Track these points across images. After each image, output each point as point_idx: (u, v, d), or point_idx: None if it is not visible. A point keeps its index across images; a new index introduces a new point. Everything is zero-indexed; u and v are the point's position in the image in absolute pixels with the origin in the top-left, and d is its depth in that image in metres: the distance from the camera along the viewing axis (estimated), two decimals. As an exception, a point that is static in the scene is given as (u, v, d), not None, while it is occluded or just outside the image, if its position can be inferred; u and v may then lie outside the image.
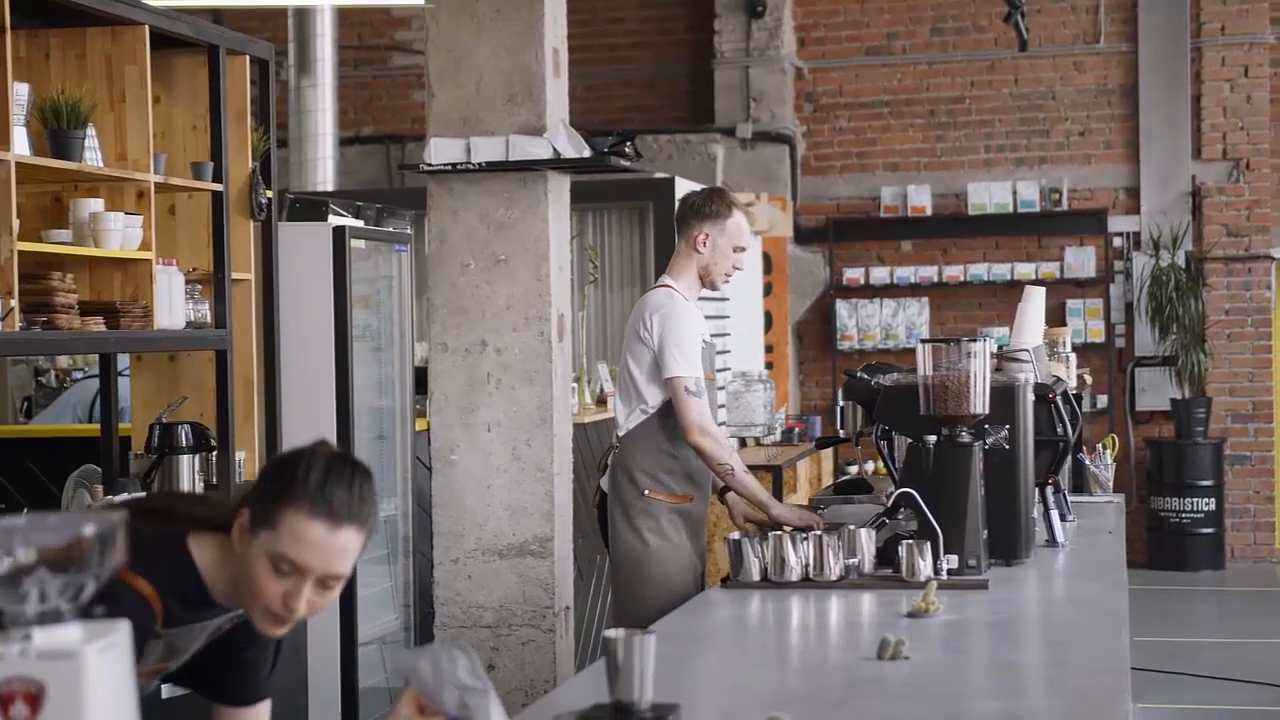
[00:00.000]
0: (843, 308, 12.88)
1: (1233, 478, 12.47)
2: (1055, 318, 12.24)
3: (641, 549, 5.13)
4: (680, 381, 5.05)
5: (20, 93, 4.64)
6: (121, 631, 1.78)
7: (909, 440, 4.55)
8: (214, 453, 5.51)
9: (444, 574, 5.78)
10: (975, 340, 4.41)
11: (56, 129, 4.75)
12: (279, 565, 2.53)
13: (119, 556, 1.78)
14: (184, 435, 5.36)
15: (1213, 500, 12.19)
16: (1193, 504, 12.17)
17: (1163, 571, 12.08)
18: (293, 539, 2.52)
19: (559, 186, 5.95)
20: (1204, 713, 8.06)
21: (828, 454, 11.40)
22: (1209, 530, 12.21)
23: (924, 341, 4.46)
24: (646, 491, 5.15)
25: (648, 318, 5.15)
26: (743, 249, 5.30)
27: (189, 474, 5.35)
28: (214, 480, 5.54)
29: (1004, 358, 5.17)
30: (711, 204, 5.28)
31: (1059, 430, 5.01)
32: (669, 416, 5.16)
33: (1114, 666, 3.17)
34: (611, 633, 2.74)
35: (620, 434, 5.27)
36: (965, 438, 4.39)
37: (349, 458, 2.65)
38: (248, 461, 5.77)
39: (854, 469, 12.25)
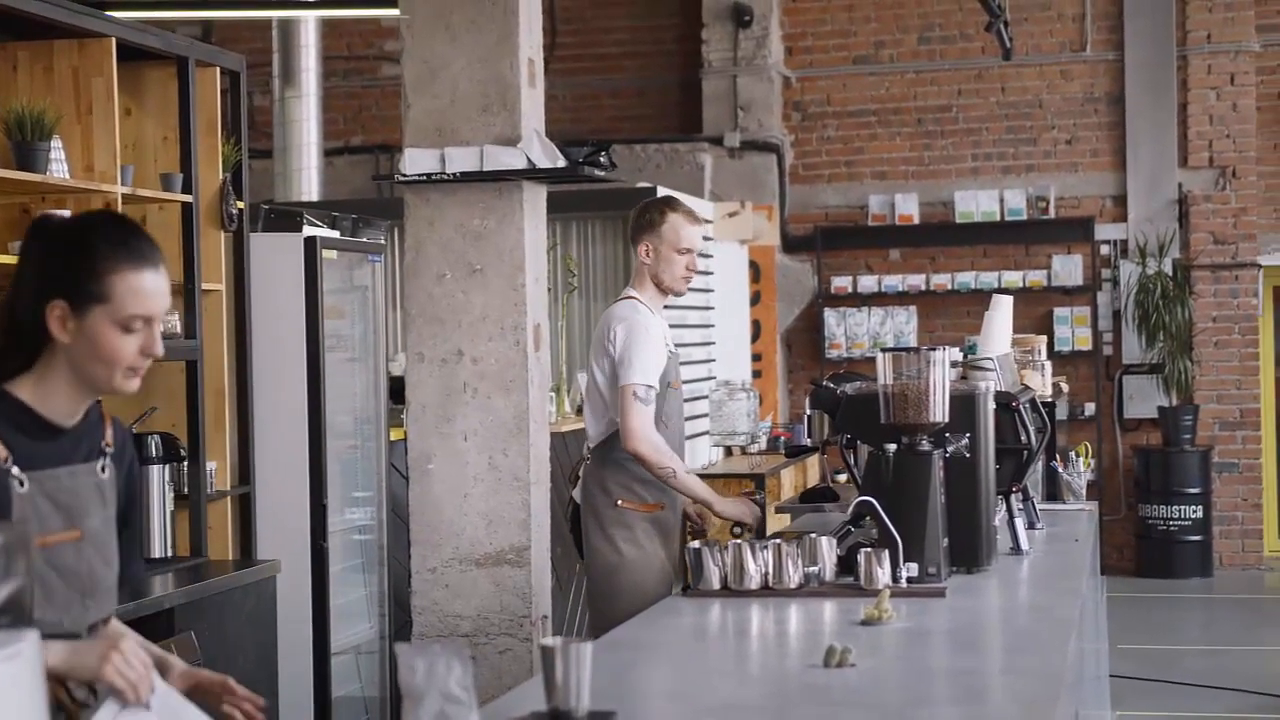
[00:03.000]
0: (831, 316, 12.89)
1: (1220, 485, 12.47)
2: (1042, 325, 12.26)
3: (616, 559, 5.19)
4: (630, 388, 5.15)
5: (-16, 105, 4.68)
6: (28, 642, 1.79)
7: (870, 449, 4.56)
8: (184, 463, 5.52)
9: (421, 583, 5.79)
10: (935, 349, 4.42)
11: (21, 141, 4.77)
12: (130, 325, 2.66)
13: (24, 566, 1.80)
14: (154, 446, 5.37)
15: (1200, 508, 12.20)
16: (1180, 511, 12.18)
17: (1150, 579, 12.09)
18: (132, 298, 2.66)
19: (534, 197, 5.97)
20: (1174, 720, 8.08)
21: (814, 462, 11.41)
22: (1196, 538, 12.21)
23: (884, 350, 4.47)
24: (620, 502, 5.23)
25: (612, 329, 5.25)
26: (688, 250, 5.34)
27: (159, 485, 5.37)
28: (185, 491, 5.55)
29: (969, 366, 5.18)
30: (645, 214, 5.39)
31: (1023, 438, 5.02)
32: None
33: (1053, 673, 3.18)
34: (547, 641, 2.76)
35: (591, 445, 5.35)
36: (925, 446, 4.39)
37: (114, 213, 2.81)
38: (219, 472, 5.79)
39: (843, 478, 12.25)
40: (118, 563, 2.79)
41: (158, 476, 5.37)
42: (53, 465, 2.69)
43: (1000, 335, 5.45)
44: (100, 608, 2.73)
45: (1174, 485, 12.20)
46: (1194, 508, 12.18)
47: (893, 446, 4.39)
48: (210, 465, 5.70)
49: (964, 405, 4.53)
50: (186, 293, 5.56)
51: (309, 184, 10.64)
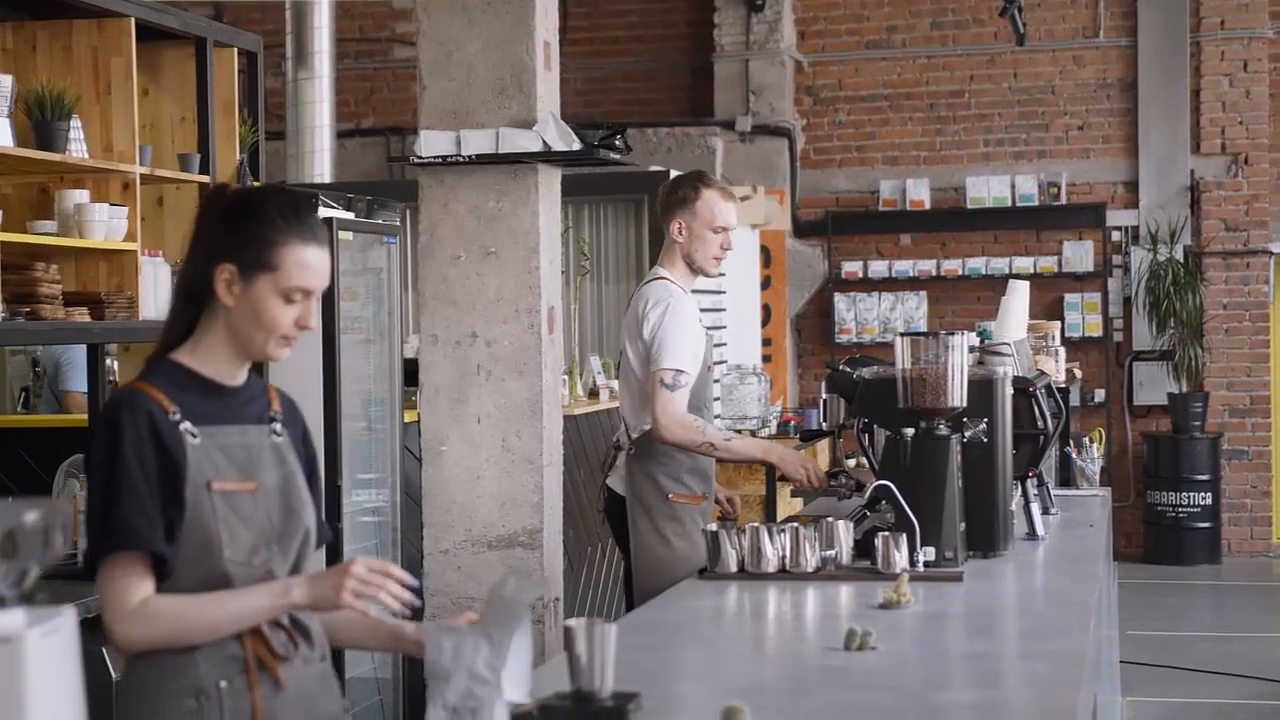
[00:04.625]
0: (841, 301, 12.90)
1: (1229, 472, 12.48)
2: (1053, 312, 12.25)
3: (669, 554, 5.03)
4: (657, 374, 5.02)
5: (4, 84, 4.67)
6: (65, 619, 1.80)
7: (887, 433, 4.56)
8: (200, 442, 5.52)
9: (433, 565, 5.79)
10: (953, 334, 4.42)
11: (41, 120, 4.77)
12: (290, 296, 2.78)
13: (61, 544, 1.81)
14: (170, 426, 5.37)
15: (1209, 494, 12.21)
16: (1189, 498, 12.19)
17: (1159, 565, 12.10)
18: (299, 270, 2.78)
19: (549, 179, 5.96)
20: (1196, 706, 8.08)
21: (825, 446, 11.42)
22: (1205, 524, 12.22)
23: (903, 334, 4.47)
24: (671, 495, 5.09)
25: (645, 313, 5.10)
26: (723, 229, 5.18)
27: (175, 464, 5.36)
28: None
29: (985, 351, 5.18)
30: (678, 190, 5.22)
31: (1039, 424, 5.02)
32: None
33: (1074, 657, 3.18)
34: (572, 622, 2.76)
35: (634, 435, 5.17)
36: (943, 430, 4.39)
37: (288, 188, 2.90)
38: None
39: (851, 462, 12.26)
40: (308, 517, 2.90)
41: (174, 457, 5.37)
42: (222, 423, 2.82)
43: (1017, 320, 5.45)
44: (288, 556, 2.86)
45: (1183, 472, 12.20)
46: (1203, 494, 12.19)
47: (911, 431, 4.39)
48: (226, 445, 5.69)
49: (982, 390, 4.53)
50: (203, 273, 5.55)
51: (321, 166, 10.62)
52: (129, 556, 2.71)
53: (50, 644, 1.77)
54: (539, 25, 5.86)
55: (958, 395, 4.39)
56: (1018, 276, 12.34)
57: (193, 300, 2.83)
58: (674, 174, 10.03)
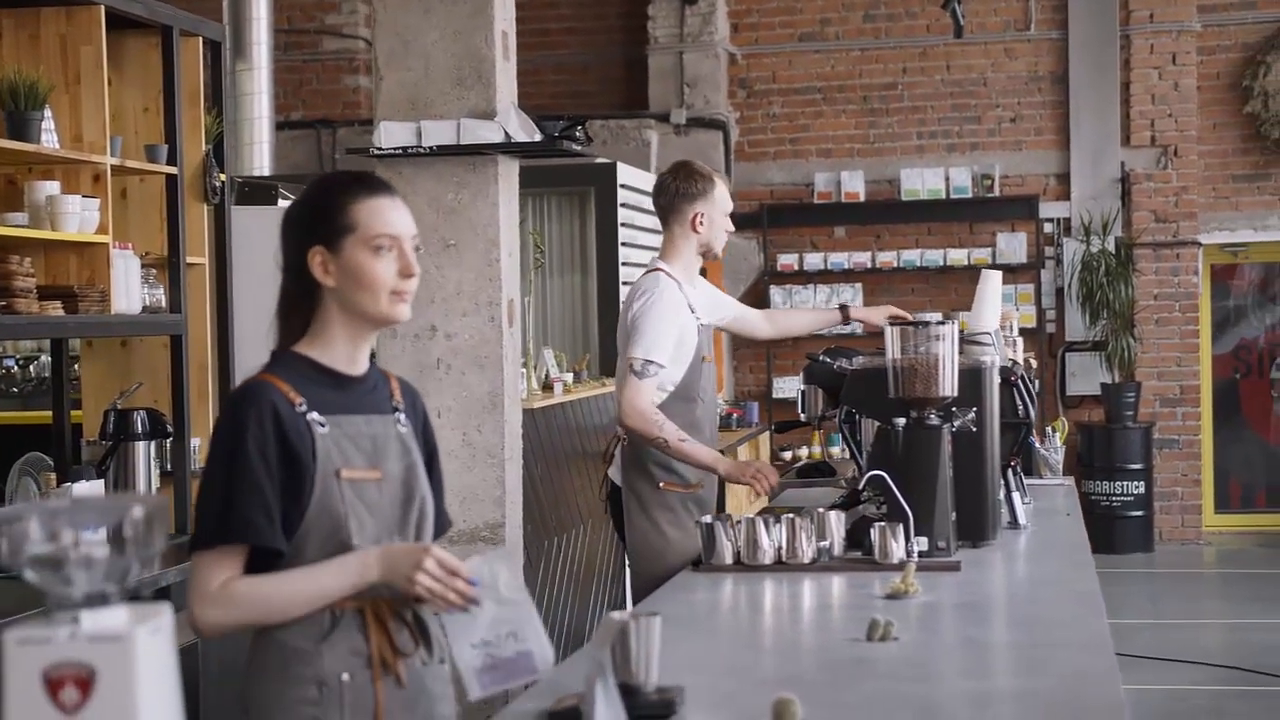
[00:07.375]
0: (777, 294, 12.91)
1: (1161, 461, 12.62)
2: (988, 303, 12.32)
3: (662, 543, 5.04)
4: (628, 361, 5.02)
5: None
6: (165, 615, 1.76)
7: (877, 423, 4.56)
8: (169, 439, 5.44)
9: (395, 560, 5.74)
10: (944, 323, 4.42)
11: (14, 110, 4.67)
12: (378, 246, 2.82)
13: (163, 541, 1.77)
14: (139, 421, 5.29)
15: (1142, 483, 12.34)
16: (1122, 487, 12.32)
17: (1093, 554, 12.18)
18: (376, 219, 2.83)
19: (508, 171, 5.93)
20: (1137, 692, 8.15)
21: (765, 439, 11.46)
22: (1138, 513, 12.36)
23: (893, 324, 4.47)
24: (662, 484, 5.11)
25: (634, 301, 5.13)
26: (729, 212, 5.38)
27: (144, 460, 5.28)
28: (169, 467, 5.47)
29: (966, 341, 5.18)
30: (696, 183, 5.28)
31: (1021, 412, 5.04)
32: (676, 405, 5.08)
33: (1099, 645, 3.20)
34: (618, 615, 2.74)
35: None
36: (934, 420, 4.40)
37: (345, 170, 3.05)
38: (203, 448, 5.70)
39: (788, 454, 12.30)
40: (427, 508, 2.93)
41: (143, 453, 5.29)
42: (349, 412, 2.85)
43: (991, 311, 5.46)
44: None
45: (1116, 461, 12.33)
46: (1135, 484, 12.32)
47: (902, 421, 4.39)
48: (194, 441, 5.61)
49: (970, 379, 4.54)
50: (171, 266, 5.47)
51: (261, 158, 10.50)
52: (233, 548, 2.74)
53: (156, 641, 1.73)
54: (498, 15, 5.82)
55: (949, 385, 4.39)
56: (953, 269, 12.45)
57: (301, 301, 2.86)
58: (621, 166, 10.03)
